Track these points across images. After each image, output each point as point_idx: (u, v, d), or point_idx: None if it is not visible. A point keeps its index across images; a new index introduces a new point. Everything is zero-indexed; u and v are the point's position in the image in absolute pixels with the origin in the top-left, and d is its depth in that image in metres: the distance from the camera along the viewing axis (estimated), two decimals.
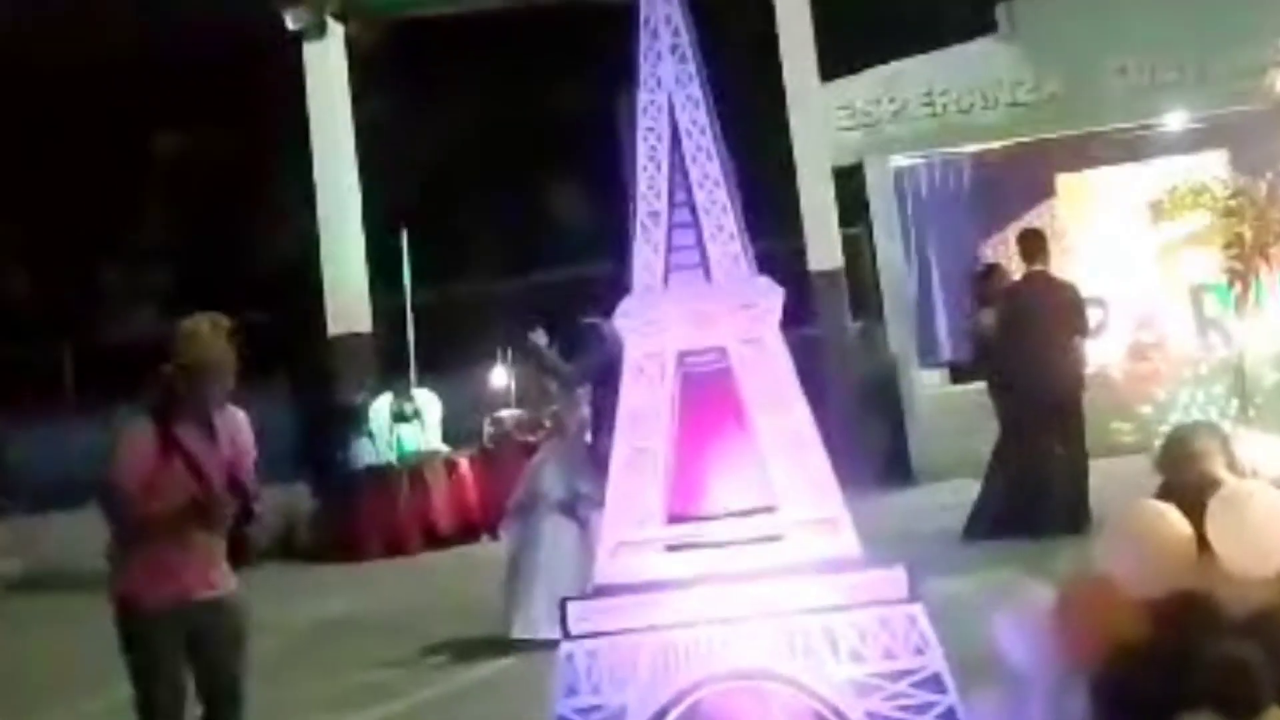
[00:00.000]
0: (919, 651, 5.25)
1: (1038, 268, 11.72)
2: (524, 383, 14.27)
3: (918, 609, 5.28)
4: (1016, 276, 12.12)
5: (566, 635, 5.55)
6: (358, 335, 16.56)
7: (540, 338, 10.53)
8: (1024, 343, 11.24)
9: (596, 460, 9.37)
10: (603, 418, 9.40)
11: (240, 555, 6.41)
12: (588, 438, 9.94)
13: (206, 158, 21.07)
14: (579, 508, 9.57)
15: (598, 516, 9.27)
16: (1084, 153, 16.61)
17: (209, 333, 6.34)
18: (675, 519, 5.52)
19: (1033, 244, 11.89)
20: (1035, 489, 11.02)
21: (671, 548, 5.49)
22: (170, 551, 6.25)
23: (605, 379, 9.26)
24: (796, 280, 12.16)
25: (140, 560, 6.26)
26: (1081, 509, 10.79)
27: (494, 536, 14.42)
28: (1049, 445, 11.17)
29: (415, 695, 8.68)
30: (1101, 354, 15.87)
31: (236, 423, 6.51)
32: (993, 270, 12.81)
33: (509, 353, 15.44)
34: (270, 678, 9.55)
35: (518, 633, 9.44)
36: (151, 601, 6.24)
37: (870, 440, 14.98)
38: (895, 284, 16.69)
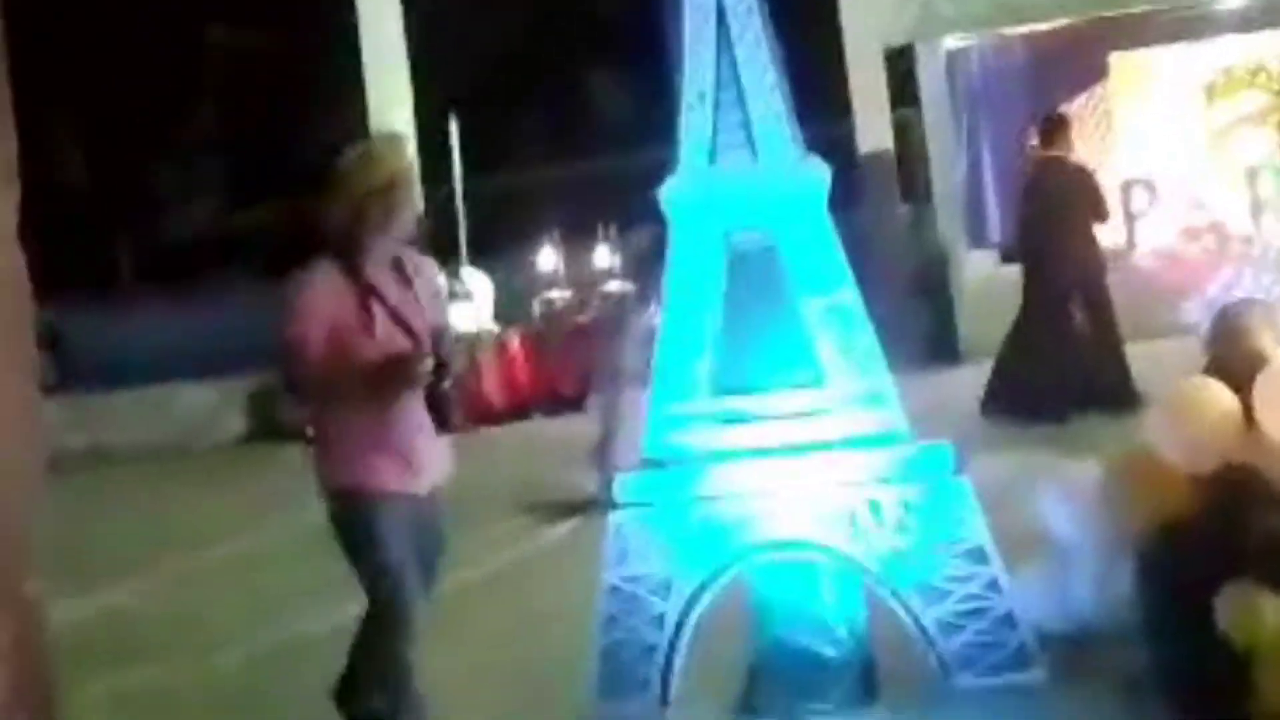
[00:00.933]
0: (963, 524, 5.37)
1: (1055, 153, 11.71)
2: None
3: (963, 483, 5.39)
4: None
5: (614, 505, 5.70)
6: None
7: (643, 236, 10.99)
8: (1039, 227, 11.37)
9: None
10: None
11: (443, 422, 5.25)
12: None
13: (258, 48, 21.08)
14: None
15: None
16: (1138, 32, 16.41)
17: (390, 149, 5.36)
18: (723, 393, 5.62)
19: (1053, 129, 11.85)
20: (1063, 369, 11.07)
21: (719, 421, 5.60)
22: (385, 425, 5.12)
23: None
24: (845, 162, 12.10)
25: (354, 439, 5.12)
26: (1124, 389, 10.82)
27: (545, 414, 14.74)
28: (1070, 327, 11.25)
29: (484, 565, 8.81)
30: (1152, 236, 15.85)
31: (425, 264, 5.44)
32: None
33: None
34: (325, 551, 9.79)
35: (602, 495, 9.82)
36: (375, 488, 5.12)
37: (918, 321, 15.02)
38: (945, 166, 16.60)
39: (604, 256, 15.73)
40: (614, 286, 14.76)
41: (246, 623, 7.99)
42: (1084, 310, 11.33)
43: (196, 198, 19.76)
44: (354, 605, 5.32)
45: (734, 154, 5.67)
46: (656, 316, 10.09)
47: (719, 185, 5.67)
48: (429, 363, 5.07)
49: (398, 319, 5.14)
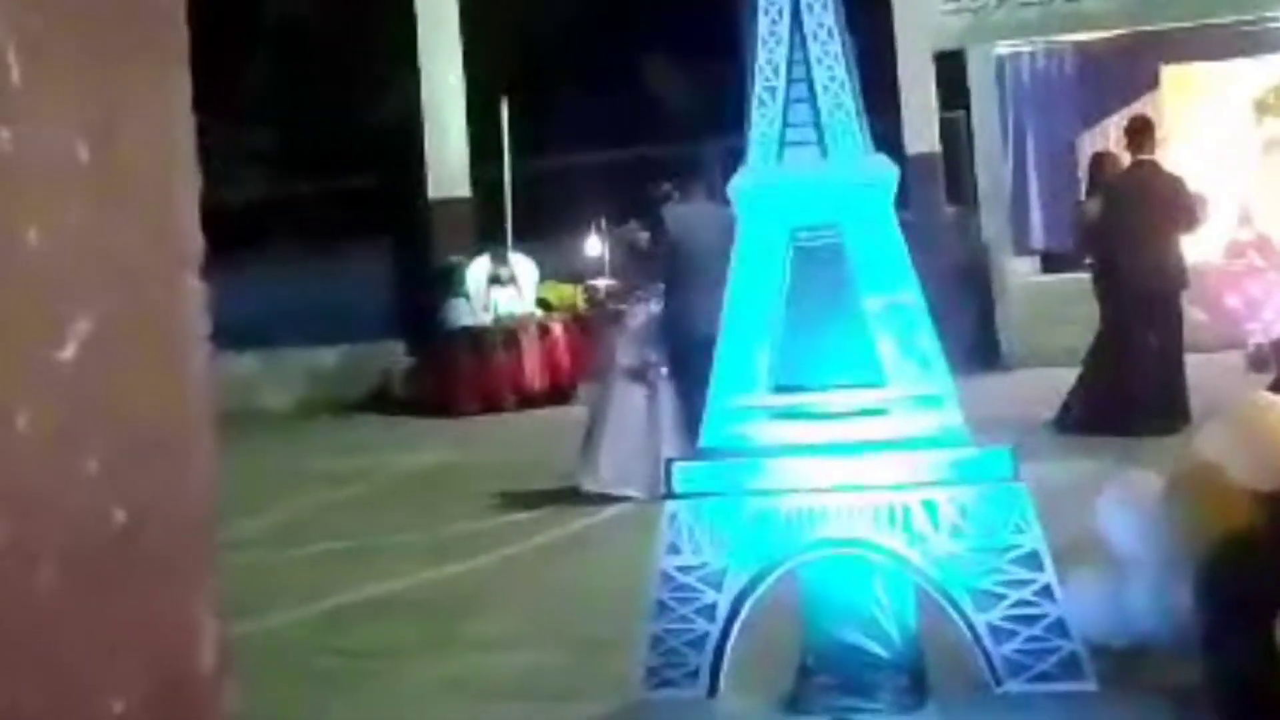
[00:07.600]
0: (1019, 530, 5.36)
1: (1146, 156, 11.38)
2: (618, 260, 14.58)
3: (1020, 488, 5.38)
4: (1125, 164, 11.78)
5: (671, 495, 5.70)
6: (458, 200, 16.74)
7: (631, 231, 11.07)
8: (1126, 232, 10.93)
9: (663, 333, 9.90)
10: (669, 294, 9.96)
11: None
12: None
13: (312, 19, 21.13)
14: (648, 374, 10.00)
15: (664, 384, 9.77)
16: (1190, 46, 16.38)
17: None
18: (782, 389, 5.63)
19: (1140, 131, 11.51)
20: (1132, 384, 10.76)
21: (777, 416, 5.61)
22: None
23: (673, 260, 9.91)
24: (892, 162, 12.07)
25: None
26: (1179, 405, 10.62)
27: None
28: (1146, 340, 10.92)
29: (515, 546, 8.83)
30: (1197, 249, 15.80)
31: None
32: (1103, 158, 12.57)
33: (604, 227, 15.58)
34: (369, 523, 9.85)
35: (584, 486, 9.89)
36: None
37: (960, 325, 15.00)
38: (991, 170, 16.62)
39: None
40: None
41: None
42: (1157, 321, 10.93)
43: (245, 166, 19.85)
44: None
45: (803, 150, 5.68)
46: (651, 315, 10.21)
47: (787, 181, 5.67)
48: None
49: None
